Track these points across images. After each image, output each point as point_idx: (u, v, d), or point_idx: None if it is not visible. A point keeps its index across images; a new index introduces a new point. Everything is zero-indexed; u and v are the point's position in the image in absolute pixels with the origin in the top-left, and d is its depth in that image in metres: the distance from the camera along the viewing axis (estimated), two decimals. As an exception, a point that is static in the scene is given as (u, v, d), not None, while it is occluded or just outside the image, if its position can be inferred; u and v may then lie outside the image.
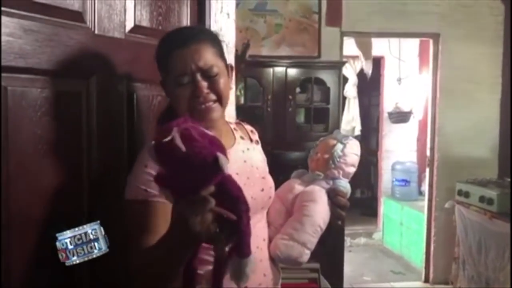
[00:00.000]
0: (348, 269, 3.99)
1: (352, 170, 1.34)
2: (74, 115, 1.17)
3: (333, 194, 1.27)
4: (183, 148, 0.79)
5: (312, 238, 1.23)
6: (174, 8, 1.51)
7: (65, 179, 1.14)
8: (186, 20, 1.56)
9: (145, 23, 1.39)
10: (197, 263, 1.04)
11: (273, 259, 1.25)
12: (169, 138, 0.79)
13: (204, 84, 1.12)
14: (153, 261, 0.96)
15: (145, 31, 1.39)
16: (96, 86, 1.20)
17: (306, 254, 1.23)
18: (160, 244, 0.95)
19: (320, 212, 1.24)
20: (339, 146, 1.32)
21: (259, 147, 1.37)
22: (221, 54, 1.19)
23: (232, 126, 1.34)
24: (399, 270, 4.82)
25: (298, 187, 1.32)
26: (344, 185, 1.30)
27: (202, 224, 0.83)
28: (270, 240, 1.26)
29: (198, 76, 1.11)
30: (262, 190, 1.24)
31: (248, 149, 1.30)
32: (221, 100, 1.15)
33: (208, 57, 1.13)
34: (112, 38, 1.27)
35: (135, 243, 1.03)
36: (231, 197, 0.89)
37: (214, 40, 1.19)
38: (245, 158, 1.26)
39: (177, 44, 1.12)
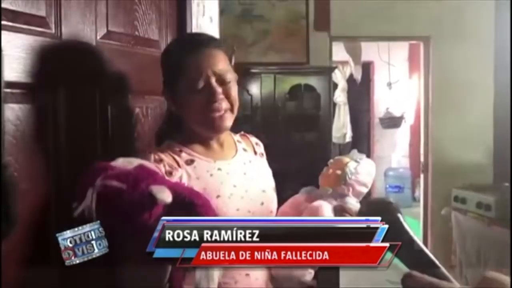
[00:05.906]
0: (344, 280, 3.88)
1: (363, 190, 1.26)
2: (39, 132, 1.03)
3: (339, 212, 1.18)
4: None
5: None
6: (152, 12, 1.39)
7: (34, 200, 1.01)
8: (165, 25, 1.45)
9: (119, 28, 1.27)
10: None
11: (273, 278, 1.18)
12: (80, 208, 0.78)
13: (219, 90, 1.09)
14: None
15: (120, 37, 1.27)
16: (63, 98, 1.07)
17: (310, 273, 1.16)
18: None
19: None
20: (353, 164, 1.27)
21: (263, 160, 1.33)
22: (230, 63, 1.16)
23: (236, 138, 1.29)
24: (395, 280, 4.69)
25: (304, 203, 1.24)
26: (353, 203, 1.21)
27: None
28: None
29: (213, 81, 1.08)
30: (262, 204, 1.19)
31: (250, 161, 1.25)
32: (233, 109, 1.14)
33: (222, 63, 1.11)
34: (81, 44, 1.14)
35: None
36: (186, 203, 0.86)
37: (224, 49, 1.15)
38: (245, 171, 1.21)
39: (191, 50, 1.10)
